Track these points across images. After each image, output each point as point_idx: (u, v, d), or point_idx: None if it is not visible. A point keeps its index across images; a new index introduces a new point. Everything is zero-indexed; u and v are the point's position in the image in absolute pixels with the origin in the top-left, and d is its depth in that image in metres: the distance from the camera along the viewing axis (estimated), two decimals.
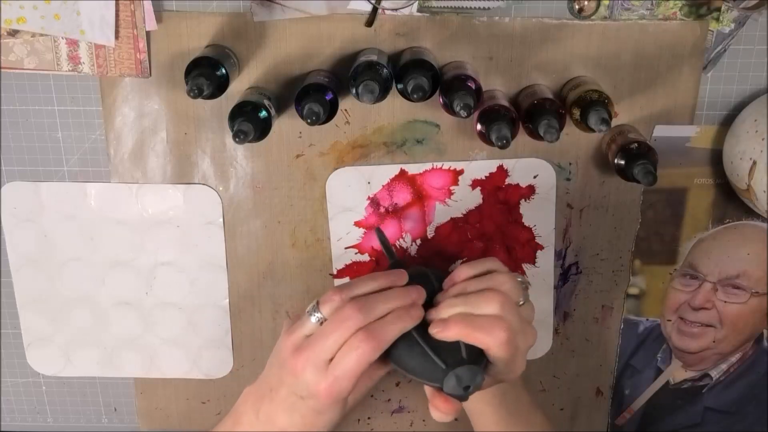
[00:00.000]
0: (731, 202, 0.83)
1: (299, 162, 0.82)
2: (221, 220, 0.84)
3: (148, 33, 0.76)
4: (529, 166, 0.82)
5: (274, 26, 0.76)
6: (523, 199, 0.83)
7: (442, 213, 0.83)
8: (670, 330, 0.88)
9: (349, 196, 0.83)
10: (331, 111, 0.73)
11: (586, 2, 0.76)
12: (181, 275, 0.86)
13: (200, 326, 0.88)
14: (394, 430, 0.92)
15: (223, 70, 0.72)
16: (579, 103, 0.74)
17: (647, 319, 0.88)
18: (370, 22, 0.75)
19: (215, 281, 0.86)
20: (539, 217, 0.83)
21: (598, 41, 0.77)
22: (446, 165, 0.82)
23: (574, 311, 0.88)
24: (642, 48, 0.77)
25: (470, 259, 0.84)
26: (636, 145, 0.75)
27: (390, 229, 0.84)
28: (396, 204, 0.83)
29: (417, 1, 0.75)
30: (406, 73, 0.71)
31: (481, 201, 0.83)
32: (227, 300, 0.87)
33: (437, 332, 0.66)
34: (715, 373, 0.90)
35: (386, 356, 0.66)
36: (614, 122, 0.77)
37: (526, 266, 0.85)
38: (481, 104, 0.75)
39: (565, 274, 0.86)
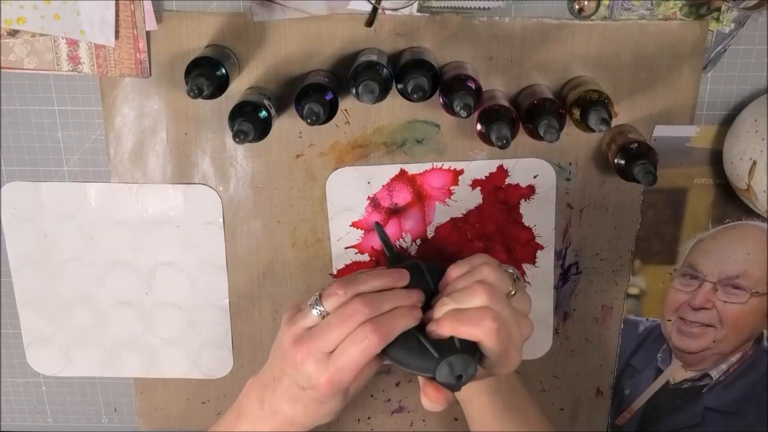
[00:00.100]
0: (731, 202, 0.83)
1: (299, 162, 0.82)
2: (221, 220, 0.84)
3: (148, 33, 0.76)
4: (529, 166, 0.82)
5: (274, 26, 0.76)
6: (523, 199, 0.83)
7: (442, 213, 0.83)
8: (670, 330, 0.88)
9: (349, 196, 0.83)
10: (331, 111, 0.73)
11: (586, 2, 0.76)
12: (181, 275, 0.86)
13: (200, 326, 0.88)
14: (394, 430, 0.92)
15: (223, 70, 0.72)
16: (579, 103, 0.74)
17: (647, 319, 0.88)
18: (370, 22, 0.75)
19: (215, 281, 0.86)
20: (539, 217, 0.83)
21: (598, 41, 0.77)
22: (446, 165, 0.82)
23: (574, 311, 0.88)
24: (642, 48, 0.77)
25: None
26: (636, 145, 0.75)
27: (390, 229, 0.84)
28: (396, 204, 0.83)
29: (417, 1, 0.75)
30: (406, 73, 0.71)
31: (481, 201, 0.83)
32: (227, 300, 0.87)
33: (431, 332, 0.67)
34: (715, 373, 0.90)
35: (383, 350, 0.66)
36: (614, 122, 0.77)
37: (526, 266, 0.85)
38: (481, 104, 0.75)
39: (565, 274, 0.86)
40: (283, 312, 0.71)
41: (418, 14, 0.76)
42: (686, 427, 0.93)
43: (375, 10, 0.74)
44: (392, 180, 0.82)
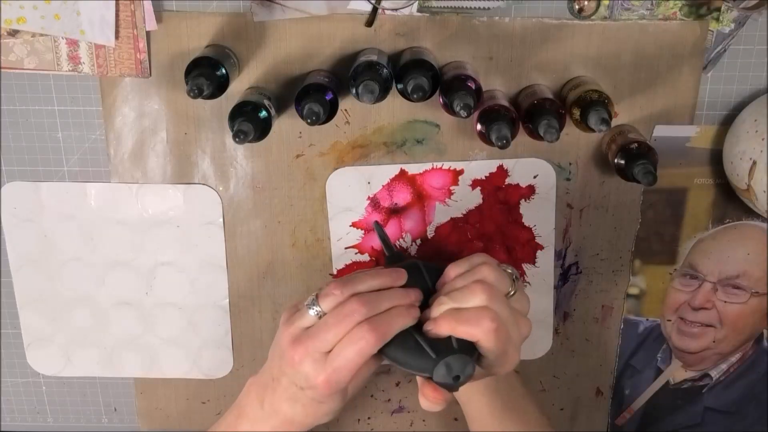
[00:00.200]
0: (731, 202, 0.83)
1: (299, 162, 0.82)
2: (221, 220, 0.84)
3: (148, 33, 0.76)
4: (529, 166, 0.82)
5: (274, 26, 0.76)
6: (523, 199, 0.83)
7: (442, 213, 0.83)
8: (670, 330, 0.88)
9: (349, 196, 0.83)
10: (331, 111, 0.73)
11: (586, 2, 0.76)
12: (181, 275, 0.86)
13: (200, 326, 0.88)
14: (394, 430, 0.92)
15: (223, 70, 0.72)
16: (579, 103, 0.74)
17: (647, 319, 0.88)
18: (370, 22, 0.75)
19: (215, 281, 0.86)
20: (539, 217, 0.83)
21: (598, 41, 0.77)
22: (446, 165, 0.82)
23: (574, 311, 0.88)
24: (642, 48, 0.77)
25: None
26: (636, 145, 0.75)
27: (390, 229, 0.84)
28: (396, 204, 0.83)
29: (417, 1, 0.75)
30: (406, 73, 0.71)
31: (481, 201, 0.83)
32: (227, 300, 0.87)
33: (428, 331, 0.67)
34: (715, 373, 0.90)
35: (380, 350, 0.66)
36: (614, 122, 0.77)
37: (526, 266, 0.85)
38: (481, 104, 0.75)
39: (565, 274, 0.86)
40: (283, 312, 0.71)
41: (418, 14, 0.76)
42: (686, 427, 0.93)
43: (375, 10, 0.74)
44: (392, 180, 0.82)
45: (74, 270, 0.86)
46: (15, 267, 0.86)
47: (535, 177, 0.82)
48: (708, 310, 0.87)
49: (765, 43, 0.77)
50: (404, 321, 0.66)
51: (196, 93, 0.69)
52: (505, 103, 0.75)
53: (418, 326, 0.67)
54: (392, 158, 0.82)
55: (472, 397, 0.79)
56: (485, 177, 0.82)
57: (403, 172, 0.82)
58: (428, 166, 0.82)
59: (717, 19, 0.76)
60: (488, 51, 0.77)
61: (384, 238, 0.81)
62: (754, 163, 0.74)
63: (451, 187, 0.82)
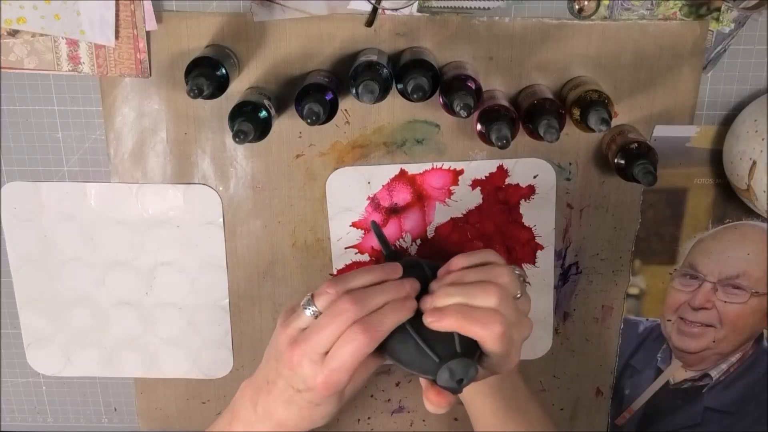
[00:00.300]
0: (731, 202, 0.83)
1: (299, 162, 0.82)
2: (221, 220, 0.84)
3: (148, 33, 0.76)
4: (529, 166, 0.82)
5: (274, 26, 0.76)
6: (523, 199, 0.83)
7: (442, 213, 0.83)
8: (670, 330, 0.88)
9: (349, 196, 0.83)
10: (331, 111, 0.73)
11: (586, 2, 0.76)
12: (181, 275, 0.86)
13: (200, 326, 0.88)
14: (394, 430, 0.92)
15: (223, 70, 0.72)
16: (579, 103, 0.74)
17: (647, 319, 0.88)
18: (370, 22, 0.75)
19: (215, 281, 0.86)
20: (539, 217, 0.83)
21: (598, 41, 0.77)
22: (446, 165, 0.82)
23: (574, 311, 0.88)
24: (642, 48, 0.77)
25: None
26: (636, 145, 0.75)
27: (390, 229, 0.84)
28: (396, 204, 0.83)
29: (417, 1, 0.75)
30: (406, 73, 0.71)
31: (481, 201, 0.83)
32: (227, 300, 0.87)
33: (432, 322, 0.65)
34: (715, 373, 0.90)
35: (381, 348, 0.66)
36: (614, 122, 0.77)
37: (526, 266, 0.85)
38: (481, 104, 0.75)
39: (565, 274, 0.86)
40: (280, 313, 0.71)
41: (418, 14, 0.76)
42: (686, 427, 0.93)
43: (375, 10, 0.74)
44: (392, 180, 0.82)
45: (74, 270, 0.86)
46: (15, 267, 0.86)
47: (535, 177, 0.82)
48: (708, 310, 0.87)
49: (765, 43, 0.77)
50: (398, 316, 0.65)
51: (196, 93, 0.69)
52: (505, 103, 0.75)
53: (419, 324, 0.66)
54: (392, 158, 0.82)
55: (476, 397, 0.78)
56: (485, 177, 0.82)
57: (403, 172, 0.82)
58: (428, 166, 0.82)
59: (717, 19, 0.76)
60: (488, 51, 0.77)
61: (381, 237, 0.81)
62: (754, 163, 0.74)
63: (451, 187, 0.82)
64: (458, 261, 0.69)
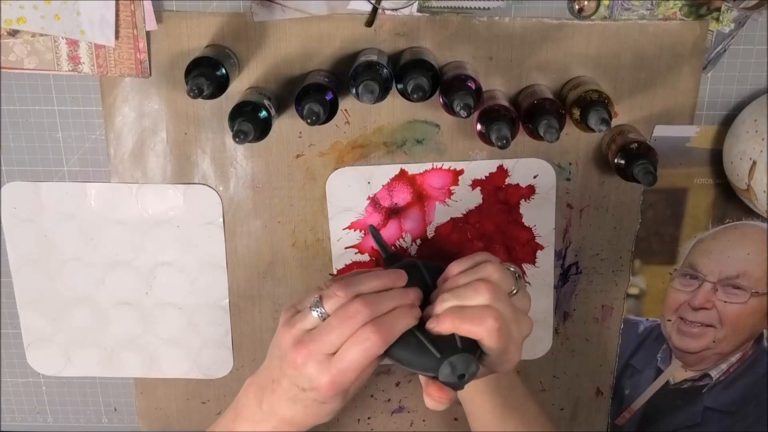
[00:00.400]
0: (731, 202, 0.83)
1: (299, 162, 0.82)
2: (221, 220, 0.84)
3: (148, 33, 0.76)
4: (529, 166, 0.82)
5: (274, 26, 0.76)
6: (523, 199, 0.83)
7: (442, 213, 0.83)
8: (670, 330, 0.88)
9: (349, 196, 0.83)
10: (331, 111, 0.73)
11: (586, 2, 0.76)
12: (181, 275, 0.86)
13: (200, 326, 0.88)
14: (394, 430, 0.92)
15: (223, 70, 0.72)
16: (579, 103, 0.74)
17: (647, 319, 0.88)
18: (370, 22, 0.75)
19: (215, 281, 0.86)
20: (539, 217, 0.83)
21: (598, 41, 0.77)
22: (446, 165, 0.82)
23: (574, 311, 0.88)
24: (642, 48, 0.77)
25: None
26: (636, 145, 0.75)
27: (390, 229, 0.84)
28: (396, 204, 0.83)
29: (417, 1, 0.75)
30: (406, 73, 0.71)
31: (481, 201, 0.83)
32: (227, 300, 0.87)
33: (431, 328, 0.67)
34: (715, 373, 0.90)
35: (384, 351, 0.66)
36: (614, 122, 0.77)
37: (526, 266, 0.85)
38: (481, 104, 0.75)
39: (565, 274, 0.86)
40: (282, 312, 0.71)
41: (418, 14, 0.76)
42: (686, 427, 0.93)
43: (375, 10, 0.74)
44: (392, 180, 0.82)
45: (74, 270, 0.86)
46: (15, 267, 0.86)
47: (535, 177, 0.82)
48: (708, 310, 0.87)
49: (765, 43, 0.77)
50: (407, 321, 0.66)
51: (196, 93, 0.69)
52: (505, 103, 0.75)
53: (421, 325, 0.67)
54: (392, 158, 0.82)
55: (474, 396, 0.79)
56: (485, 177, 0.82)
57: (403, 172, 0.82)
58: (428, 166, 0.82)
59: (717, 19, 0.76)
60: (488, 51, 0.77)
61: (379, 241, 0.81)
62: (754, 163, 0.74)
63: (451, 187, 0.82)
64: (453, 268, 0.70)
